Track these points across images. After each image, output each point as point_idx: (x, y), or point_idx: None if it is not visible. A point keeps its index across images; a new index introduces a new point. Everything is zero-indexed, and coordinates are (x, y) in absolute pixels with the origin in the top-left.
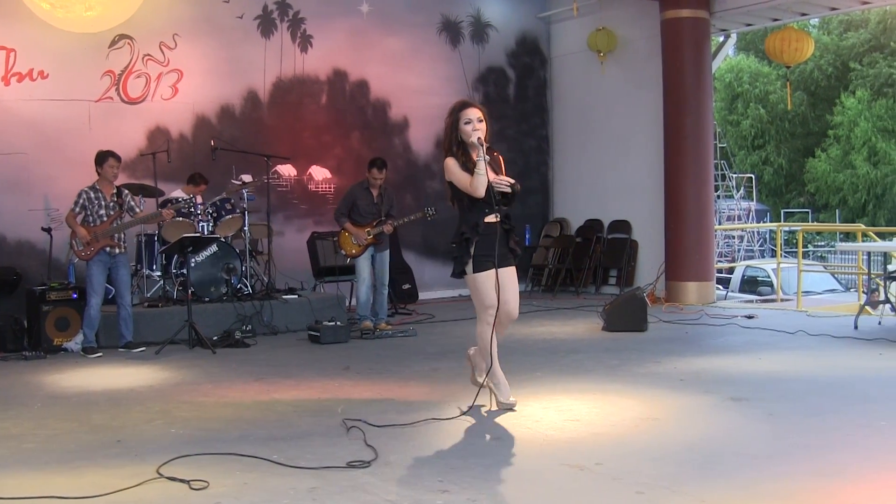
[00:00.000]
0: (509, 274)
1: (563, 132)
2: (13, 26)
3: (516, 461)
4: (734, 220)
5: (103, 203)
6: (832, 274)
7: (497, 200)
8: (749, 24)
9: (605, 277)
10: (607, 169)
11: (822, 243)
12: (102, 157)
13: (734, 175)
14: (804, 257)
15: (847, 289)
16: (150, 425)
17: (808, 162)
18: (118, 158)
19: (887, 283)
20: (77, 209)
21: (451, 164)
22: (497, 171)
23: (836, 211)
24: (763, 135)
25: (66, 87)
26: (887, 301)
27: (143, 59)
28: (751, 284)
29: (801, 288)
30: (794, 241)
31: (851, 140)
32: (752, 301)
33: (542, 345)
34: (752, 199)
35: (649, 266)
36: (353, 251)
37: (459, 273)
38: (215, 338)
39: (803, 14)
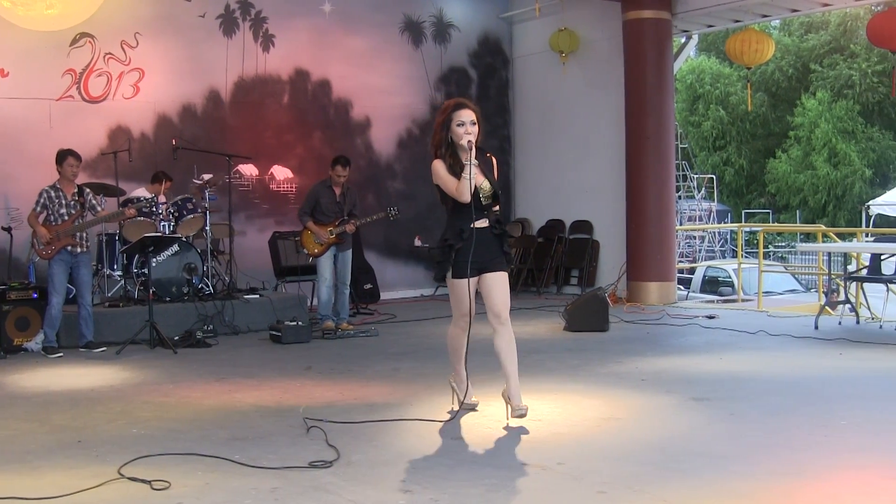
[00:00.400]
0: (499, 278)
1: (524, 132)
2: None
3: (479, 461)
4: (695, 220)
5: (64, 202)
6: (793, 274)
7: (485, 205)
8: (710, 26)
9: (567, 277)
10: (569, 169)
11: (783, 244)
12: (62, 157)
13: (695, 176)
14: (765, 258)
15: (807, 289)
16: (111, 425)
17: (769, 163)
18: (78, 157)
19: (847, 283)
20: (38, 209)
21: (438, 166)
22: (489, 174)
23: (797, 212)
24: (724, 136)
25: (26, 86)
26: (847, 301)
27: (104, 57)
28: (712, 285)
29: (762, 288)
30: (755, 241)
31: (812, 141)
32: (713, 301)
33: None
34: (714, 200)
35: (611, 266)
36: (316, 250)
37: (441, 277)
38: (176, 338)
39: (764, 16)
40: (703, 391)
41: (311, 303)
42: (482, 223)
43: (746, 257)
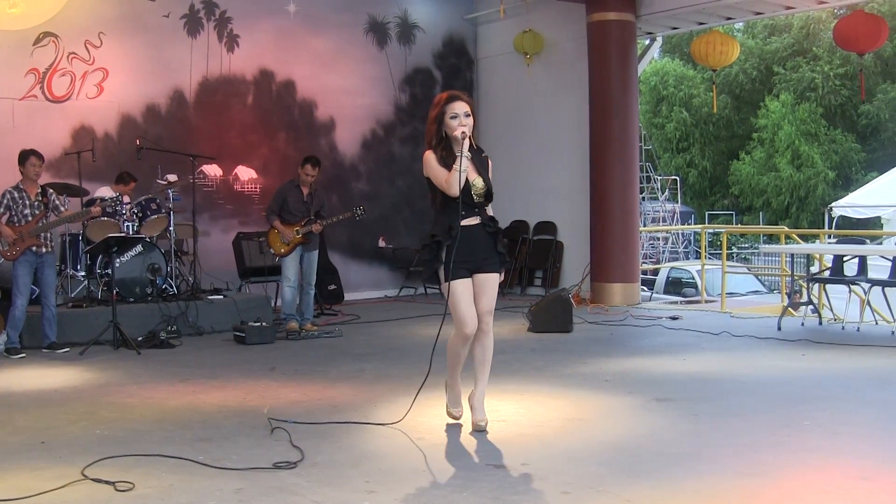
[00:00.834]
0: (490, 281)
1: (489, 133)
2: None
3: (443, 462)
4: (659, 221)
5: (28, 203)
6: (756, 276)
7: (477, 202)
8: (675, 28)
9: (531, 278)
10: (533, 170)
11: (746, 245)
12: (24, 157)
13: (659, 177)
14: (728, 259)
15: (770, 290)
16: (74, 427)
17: (733, 164)
18: (40, 157)
19: (810, 284)
20: (2, 210)
21: (430, 157)
22: (483, 172)
23: (760, 213)
24: (688, 137)
25: None
26: (810, 303)
27: (68, 57)
28: (675, 286)
29: (726, 289)
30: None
31: (775, 143)
32: (676, 302)
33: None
34: (677, 202)
35: (575, 267)
36: (282, 250)
37: (428, 278)
38: (140, 338)
39: (728, 18)
40: (666, 392)
41: (276, 303)
42: (473, 221)
43: (710, 259)
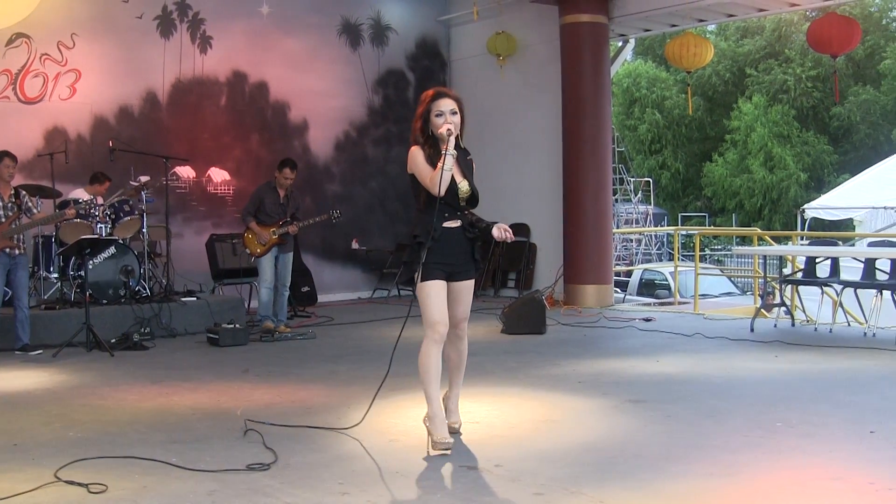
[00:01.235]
0: (466, 288)
1: (462, 135)
2: None
3: (416, 463)
4: (632, 223)
5: (1, 204)
6: (729, 277)
7: (460, 205)
8: (647, 30)
9: (504, 280)
10: (506, 172)
11: (719, 247)
12: None
13: (632, 179)
14: (701, 261)
15: (743, 292)
16: (47, 429)
17: (706, 166)
18: (14, 159)
19: (782, 286)
20: None
21: (416, 152)
22: (468, 175)
23: (733, 215)
24: (660, 139)
25: None
26: (783, 304)
27: (40, 58)
28: (648, 287)
29: (699, 291)
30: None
31: (748, 145)
32: (649, 304)
33: None
34: (650, 203)
35: (548, 269)
36: (258, 250)
37: (408, 280)
38: (113, 340)
39: (701, 20)
40: (639, 393)
41: (249, 305)
42: (455, 223)
43: (683, 260)
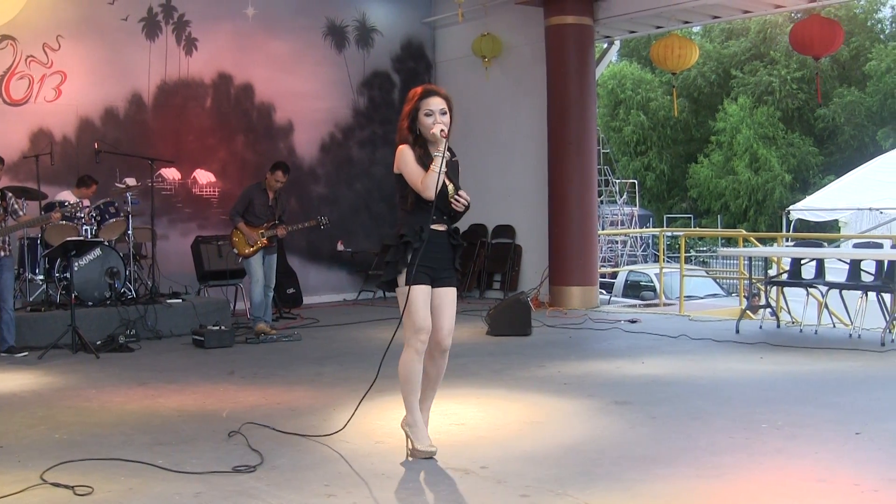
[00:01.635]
0: (449, 296)
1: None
2: None
3: (401, 465)
4: (617, 225)
5: None
6: (714, 279)
7: (447, 211)
8: (632, 32)
9: (490, 282)
10: (491, 174)
11: (705, 248)
12: None
13: (617, 181)
14: (686, 262)
15: (728, 293)
16: (33, 431)
17: (691, 168)
18: (0, 161)
19: (768, 287)
20: None
21: (406, 151)
22: (454, 178)
23: (718, 216)
24: (645, 141)
25: None
26: (768, 305)
27: (26, 60)
28: (634, 289)
29: (684, 292)
30: (677, 245)
31: (733, 146)
32: (635, 305)
33: None
34: (635, 205)
35: (533, 271)
36: (246, 251)
37: (389, 282)
38: (99, 342)
39: (686, 22)
40: (625, 395)
41: (234, 307)
42: (442, 227)
43: (668, 262)
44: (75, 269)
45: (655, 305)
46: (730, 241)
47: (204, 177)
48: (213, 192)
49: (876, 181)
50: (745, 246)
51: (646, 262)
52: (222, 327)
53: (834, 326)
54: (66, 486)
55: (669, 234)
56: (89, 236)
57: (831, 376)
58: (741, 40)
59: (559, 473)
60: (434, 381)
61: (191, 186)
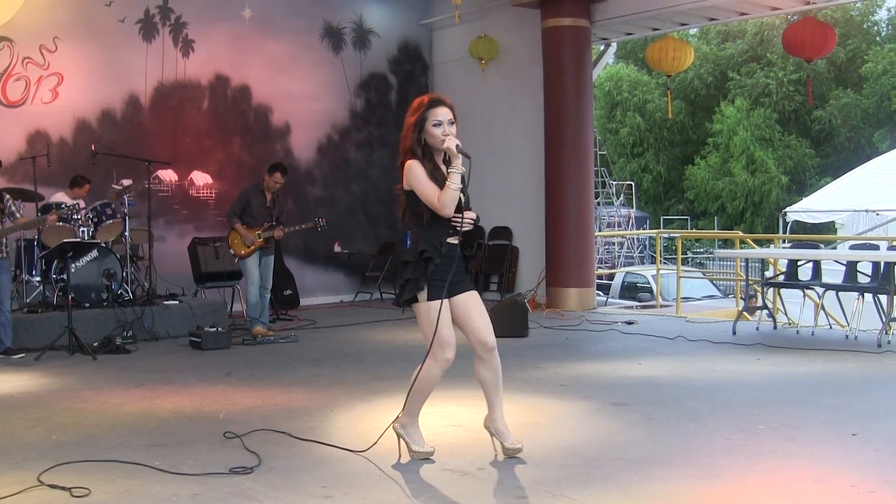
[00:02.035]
0: (472, 299)
1: None
2: None
3: (399, 467)
4: (614, 226)
5: None
6: (711, 280)
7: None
8: (629, 34)
9: (487, 283)
10: (488, 175)
11: (701, 250)
12: None
13: (614, 182)
14: (683, 264)
15: (725, 295)
16: (30, 432)
17: (688, 169)
18: None
19: (764, 289)
20: None
21: (418, 169)
22: (464, 189)
23: (715, 218)
24: (642, 142)
25: None
26: (764, 307)
27: (22, 61)
28: (631, 290)
29: (681, 294)
30: (674, 247)
31: (730, 148)
32: (631, 307)
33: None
34: (632, 206)
35: (530, 272)
36: (243, 252)
37: (409, 300)
38: (96, 344)
39: (682, 24)
40: (622, 396)
41: (231, 308)
42: (455, 240)
43: (665, 263)
44: (72, 270)
45: (652, 307)
46: (726, 243)
47: (201, 178)
48: (210, 193)
49: (872, 183)
50: (741, 247)
51: (642, 263)
52: (219, 329)
53: (830, 328)
54: (62, 488)
55: (666, 235)
56: (86, 238)
57: (828, 378)
58: (738, 42)
59: (556, 475)
60: (494, 384)
61: (187, 188)
